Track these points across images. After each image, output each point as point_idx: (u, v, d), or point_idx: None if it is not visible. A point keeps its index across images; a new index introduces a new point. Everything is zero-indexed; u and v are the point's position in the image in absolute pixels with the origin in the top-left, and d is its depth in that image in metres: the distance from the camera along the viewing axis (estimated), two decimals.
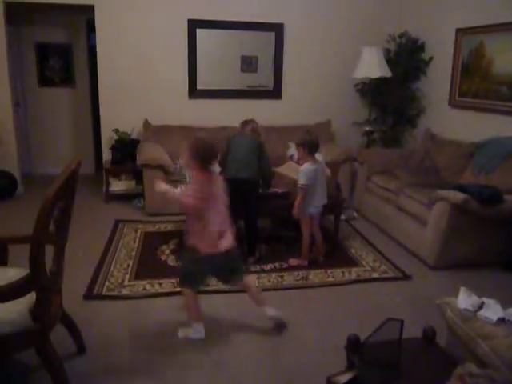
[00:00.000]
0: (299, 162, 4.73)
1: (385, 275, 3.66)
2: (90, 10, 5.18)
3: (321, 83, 5.82)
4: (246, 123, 3.94)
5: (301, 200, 3.58)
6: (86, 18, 6.09)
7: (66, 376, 2.11)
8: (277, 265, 3.76)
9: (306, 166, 3.55)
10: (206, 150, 2.56)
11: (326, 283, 3.50)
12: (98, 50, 5.30)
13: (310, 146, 3.55)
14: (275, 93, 5.77)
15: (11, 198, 5.25)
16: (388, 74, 5.20)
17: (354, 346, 1.99)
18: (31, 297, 1.96)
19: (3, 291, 1.86)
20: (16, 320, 1.94)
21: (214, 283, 3.40)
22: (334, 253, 4.03)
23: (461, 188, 3.62)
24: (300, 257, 3.79)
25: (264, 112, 5.37)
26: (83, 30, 6.34)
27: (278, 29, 5.57)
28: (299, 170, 3.59)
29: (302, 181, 3.53)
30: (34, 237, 1.80)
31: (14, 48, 5.78)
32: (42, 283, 1.93)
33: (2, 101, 5.17)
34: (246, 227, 3.79)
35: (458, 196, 3.51)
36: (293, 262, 3.79)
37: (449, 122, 4.98)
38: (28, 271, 1.92)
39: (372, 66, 5.13)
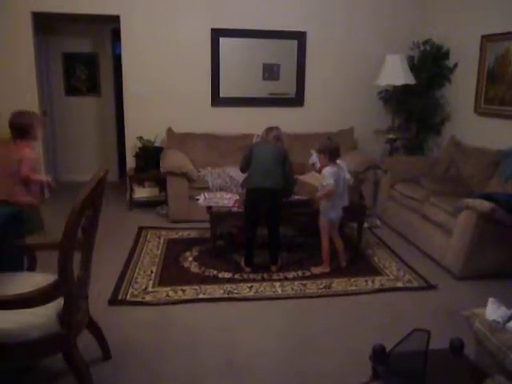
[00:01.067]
0: (320, 171, 4.75)
1: (409, 285, 3.61)
2: (115, 20, 5.29)
3: (343, 90, 5.81)
4: (270, 130, 3.96)
5: (324, 196, 3.60)
6: (112, 28, 6.22)
7: (92, 381, 2.13)
8: (299, 273, 3.75)
9: (328, 168, 3.58)
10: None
11: (349, 292, 3.48)
12: (122, 59, 5.40)
13: (330, 153, 3.59)
14: (297, 100, 5.78)
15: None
16: (412, 81, 5.16)
17: (380, 356, 1.96)
18: (59, 302, 1.99)
19: (33, 297, 1.90)
20: (44, 325, 1.97)
21: (237, 291, 3.41)
22: (356, 261, 4.00)
23: (488, 197, 3.56)
24: (321, 264, 3.79)
25: (286, 119, 5.37)
26: (108, 39, 6.46)
27: (300, 37, 5.59)
28: (322, 174, 3.62)
29: (327, 180, 3.54)
30: (63, 244, 1.83)
31: (41, 58, 5.92)
32: (70, 289, 1.96)
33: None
34: (270, 235, 3.79)
35: (485, 205, 3.45)
36: (315, 270, 3.78)
37: (474, 129, 4.91)
38: (55, 277, 1.96)
39: (395, 73, 5.10)
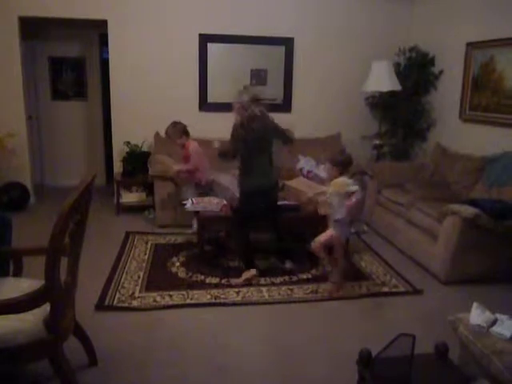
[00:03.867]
0: (308, 176, 4.78)
1: (395, 290, 3.64)
2: (102, 24, 5.28)
3: (331, 96, 5.86)
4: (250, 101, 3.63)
5: (354, 204, 3.37)
6: (99, 33, 6.20)
7: None
8: (286, 278, 3.76)
9: (344, 178, 3.44)
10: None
11: (335, 297, 3.49)
12: (110, 63, 5.39)
13: (344, 166, 3.45)
14: (285, 106, 5.81)
15: (24, 210, 5.31)
16: (398, 87, 5.22)
17: (366, 361, 1.98)
18: (46, 308, 1.98)
19: (19, 302, 1.89)
20: (30, 330, 1.96)
21: (224, 296, 3.41)
22: (344, 266, 4.01)
23: (472, 202, 3.61)
24: (334, 285, 3.55)
25: None
26: (96, 44, 6.44)
27: (288, 43, 5.63)
28: (340, 181, 3.42)
29: (355, 187, 3.38)
30: (50, 249, 1.82)
31: (28, 62, 5.88)
32: (57, 294, 1.95)
33: (16, 114, 5.26)
34: (275, 231, 3.86)
35: (470, 210, 3.50)
36: (326, 289, 3.56)
37: (459, 135, 4.98)
38: (42, 282, 1.94)
39: (382, 79, 5.16)
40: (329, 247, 3.50)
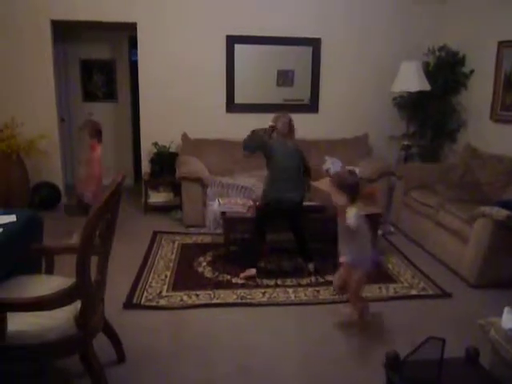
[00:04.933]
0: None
1: (423, 293, 3.59)
2: (132, 27, 5.37)
3: (358, 97, 5.81)
4: (283, 118, 3.81)
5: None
6: (129, 35, 6.30)
7: (107, 383, 2.16)
8: (313, 279, 3.75)
9: (354, 209, 2.86)
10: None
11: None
12: (139, 65, 5.48)
13: (351, 190, 2.89)
14: (312, 106, 5.79)
15: (55, 209, 5.44)
16: (427, 87, 5.14)
17: (394, 363, 1.96)
18: (76, 305, 2.03)
19: (51, 299, 1.94)
20: (61, 327, 2.00)
21: (250, 297, 3.42)
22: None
23: (504, 204, 3.53)
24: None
25: (300, 126, 5.32)
26: (125, 46, 6.55)
27: (315, 43, 5.61)
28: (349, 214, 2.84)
29: (352, 220, 2.81)
30: (81, 247, 1.87)
31: (60, 64, 6.03)
32: (87, 292, 2.00)
33: (48, 116, 5.39)
34: (296, 236, 3.83)
35: (502, 213, 3.42)
36: (343, 309, 3.21)
37: (490, 136, 4.87)
38: (73, 280, 1.99)
39: (410, 79, 5.09)
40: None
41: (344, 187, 2.89)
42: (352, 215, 2.79)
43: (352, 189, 2.89)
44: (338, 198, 2.91)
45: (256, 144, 3.73)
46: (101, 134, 4.04)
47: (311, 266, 3.82)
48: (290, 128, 3.81)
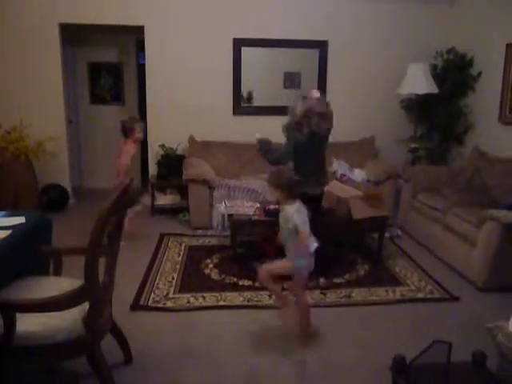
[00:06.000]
0: (341, 180, 4.74)
1: (431, 296, 3.57)
2: (139, 30, 5.40)
3: (365, 99, 5.80)
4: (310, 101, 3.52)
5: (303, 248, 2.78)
6: (136, 38, 6.34)
7: None
8: (320, 282, 3.73)
9: (290, 207, 2.80)
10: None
11: (369, 302, 3.45)
12: (146, 68, 5.51)
13: (289, 188, 2.82)
14: None
15: (63, 211, 5.48)
16: (435, 90, 5.13)
17: (400, 367, 1.95)
18: (84, 307, 2.04)
19: (60, 300, 1.95)
20: (69, 328, 2.02)
21: (257, 299, 3.42)
22: (377, 271, 3.97)
23: None
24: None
25: None
26: (133, 49, 6.60)
27: (322, 46, 5.61)
28: (286, 213, 2.81)
29: (296, 221, 2.72)
30: (90, 249, 1.88)
31: (68, 67, 6.07)
32: (96, 294, 2.01)
33: (56, 118, 5.44)
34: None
35: (510, 216, 3.40)
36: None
37: (499, 139, 4.84)
38: (81, 281, 2.01)
39: (418, 82, 5.08)
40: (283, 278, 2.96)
41: (280, 185, 2.82)
42: (292, 212, 2.75)
43: (289, 185, 2.81)
44: (275, 197, 2.88)
45: (284, 158, 3.50)
46: (128, 130, 4.32)
47: (322, 281, 3.69)
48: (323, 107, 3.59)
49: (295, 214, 2.74)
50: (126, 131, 4.33)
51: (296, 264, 2.77)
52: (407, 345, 2.69)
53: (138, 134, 4.36)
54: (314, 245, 2.83)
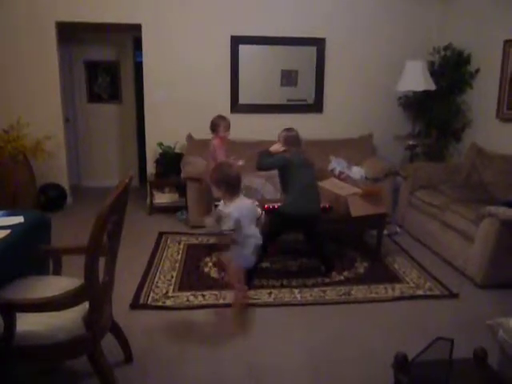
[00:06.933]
0: (339, 177, 4.74)
1: (430, 293, 3.58)
2: (136, 28, 5.38)
3: (363, 96, 5.80)
4: (291, 137, 3.67)
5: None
6: (133, 36, 6.32)
7: (115, 383, 2.16)
8: (319, 279, 3.74)
9: (226, 207, 2.82)
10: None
11: (368, 299, 3.46)
12: (144, 66, 5.49)
13: (228, 185, 2.81)
14: (316, 106, 5.79)
15: (61, 210, 5.47)
16: (432, 87, 5.13)
17: (402, 364, 1.95)
18: (84, 306, 2.03)
19: (59, 300, 1.95)
20: (70, 328, 2.01)
21: (256, 297, 3.42)
22: (376, 268, 3.98)
23: (511, 204, 3.52)
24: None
25: (305, 126, 5.35)
26: (130, 47, 6.57)
27: (319, 43, 5.61)
28: (220, 212, 2.84)
29: (228, 223, 2.75)
30: (90, 248, 1.87)
31: (65, 66, 6.05)
32: (96, 293, 2.00)
33: (53, 117, 5.42)
34: (317, 247, 3.82)
35: (508, 212, 3.41)
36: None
37: (496, 135, 4.85)
38: (80, 281, 2.00)
39: (416, 79, 5.08)
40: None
41: (219, 181, 2.80)
42: (225, 213, 2.74)
43: (227, 181, 2.78)
44: (217, 193, 2.86)
45: (277, 163, 3.61)
46: (214, 126, 4.44)
47: (334, 274, 3.80)
48: (299, 140, 3.72)
49: (229, 214, 2.71)
50: (213, 127, 4.45)
51: (235, 260, 2.89)
52: (407, 342, 2.70)
53: (223, 133, 4.41)
54: (254, 243, 2.87)
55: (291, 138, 3.67)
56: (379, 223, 4.10)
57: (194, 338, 2.89)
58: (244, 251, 2.87)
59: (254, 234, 2.88)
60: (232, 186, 2.79)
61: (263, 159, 3.64)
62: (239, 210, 2.76)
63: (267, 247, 3.60)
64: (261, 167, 3.66)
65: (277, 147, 3.65)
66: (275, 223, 3.60)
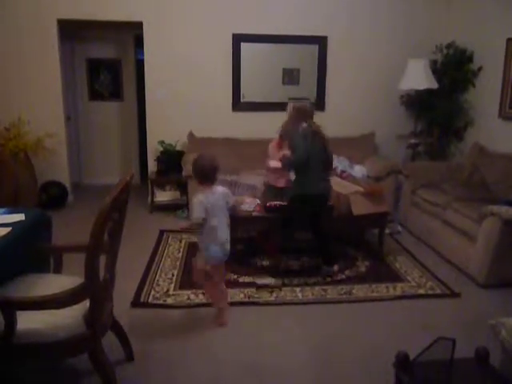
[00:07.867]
0: (341, 176, 4.73)
1: (431, 292, 3.57)
2: (138, 26, 5.37)
3: (365, 95, 5.79)
4: (303, 111, 3.57)
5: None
6: (134, 34, 6.31)
7: (116, 381, 2.16)
8: (320, 278, 3.73)
9: (197, 196, 2.82)
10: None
11: (370, 298, 3.45)
12: (145, 64, 5.48)
13: (203, 175, 2.84)
14: (318, 105, 5.76)
15: (62, 207, 5.46)
16: (434, 85, 5.11)
17: (404, 364, 1.94)
18: (85, 304, 2.03)
19: (60, 298, 1.94)
20: (71, 326, 2.01)
21: (257, 296, 3.42)
22: (378, 267, 3.97)
23: None
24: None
25: None
26: (131, 45, 6.56)
27: (321, 41, 5.59)
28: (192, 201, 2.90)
29: (196, 213, 2.78)
30: (90, 246, 1.86)
31: (66, 64, 6.04)
32: (96, 291, 2.00)
33: (55, 114, 5.41)
34: (321, 238, 3.79)
35: (510, 211, 3.39)
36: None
37: (499, 134, 4.83)
38: (81, 279, 1.99)
39: (418, 77, 5.06)
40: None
41: (194, 171, 2.86)
42: (194, 202, 2.77)
43: (200, 172, 2.82)
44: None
45: (299, 161, 3.53)
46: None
47: (336, 267, 3.80)
48: (312, 111, 3.63)
49: (197, 203, 2.75)
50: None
51: (205, 254, 2.86)
52: (409, 341, 2.68)
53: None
54: (223, 234, 2.87)
55: (302, 111, 3.56)
56: (381, 222, 4.09)
57: (194, 336, 2.88)
58: (207, 241, 2.84)
59: (220, 228, 2.83)
60: (205, 176, 2.83)
61: (287, 163, 3.65)
62: (206, 196, 2.79)
63: (289, 225, 3.69)
64: (289, 168, 3.72)
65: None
66: (287, 208, 3.67)
